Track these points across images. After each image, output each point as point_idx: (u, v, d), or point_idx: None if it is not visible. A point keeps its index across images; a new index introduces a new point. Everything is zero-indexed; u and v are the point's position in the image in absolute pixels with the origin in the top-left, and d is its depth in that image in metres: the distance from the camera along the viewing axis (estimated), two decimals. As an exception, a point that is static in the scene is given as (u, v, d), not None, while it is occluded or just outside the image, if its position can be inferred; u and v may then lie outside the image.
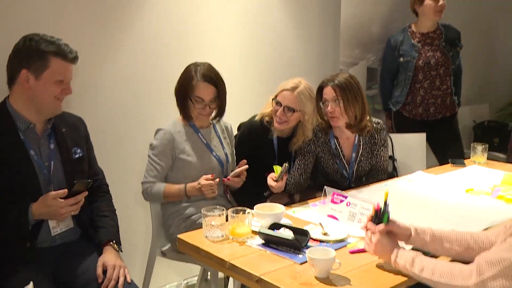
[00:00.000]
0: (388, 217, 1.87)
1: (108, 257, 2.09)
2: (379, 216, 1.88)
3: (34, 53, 1.99)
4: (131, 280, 2.07)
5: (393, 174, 3.41)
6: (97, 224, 2.24)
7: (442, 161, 3.77)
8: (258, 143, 2.86)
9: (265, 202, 2.71)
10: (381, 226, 1.85)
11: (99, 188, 2.35)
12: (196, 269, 3.15)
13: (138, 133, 3.03)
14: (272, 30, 3.65)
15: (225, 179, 2.62)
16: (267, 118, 2.84)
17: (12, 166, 1.99)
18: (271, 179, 2.62)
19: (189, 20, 3.19)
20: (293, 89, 2.71)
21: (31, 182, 2.02)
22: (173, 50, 3.12)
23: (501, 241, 1.64)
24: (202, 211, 2.10)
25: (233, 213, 2.08)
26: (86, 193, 2.03)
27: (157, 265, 2.75)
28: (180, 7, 3.13)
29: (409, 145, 3.71)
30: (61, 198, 1.95)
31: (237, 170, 2.60)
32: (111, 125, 2.95)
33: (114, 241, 2.17)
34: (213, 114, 2.68)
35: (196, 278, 3.21)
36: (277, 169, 2.62)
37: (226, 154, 2.73)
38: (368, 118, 2.81)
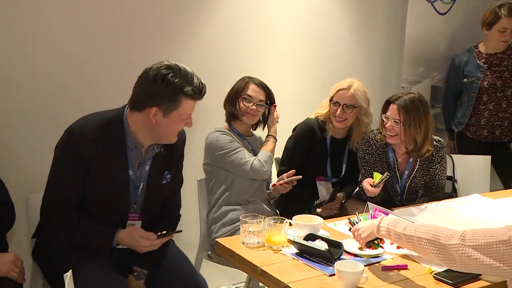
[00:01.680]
0: None
1: None
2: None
3: (169, 95, 1.96)
4: None
5: (451, 195, 3.31)
6: None
7: (507, 185, 3.61)
8: (313, 142, 2.94)
9: (316, 209, 2.82)
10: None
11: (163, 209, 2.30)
12: (245, 274, 3.21)
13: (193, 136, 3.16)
14: (335, 45, 3.69)
15: (276, 183, 2.71)
16: (321, 118, 2.94)
17: (112, 183, 2.06)
18: (368, 183, 2.68)
19: (250, 35, 3.32)
20: (349, 87, 2.84)
21: (123, 201, 2.11)
22: (230, 59, 3.27)
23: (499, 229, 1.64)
24: (240, 217, 2.17)
25: (270, 221, 2.14)
26: (172, 236, 2.16)
27: (207, 268, 2.87)
28: (239, 19, 3.27)
29: (472, 167, 3.57)
30: None
31: (291, 178, 2.67)
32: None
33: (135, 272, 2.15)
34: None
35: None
36: (377, 175, 2.67)
37: None
38: (429, 145, 2.76)
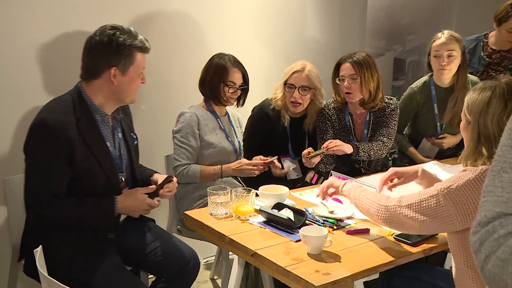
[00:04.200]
0: None
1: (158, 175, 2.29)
2: None
3: (123, 50, 2.01)
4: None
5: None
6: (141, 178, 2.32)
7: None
8: (268, 127, 2.97)
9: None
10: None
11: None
12: (215, 248, 3.28)
13: (160, 117, 3.19)
14: (295, 19, 3.70)
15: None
16: (278, 106, 2.94)
17: (97, 161, 2.03)
18: (306, 151, 2.71)
19: (209, 12, 3.30)
20: (303, 69, 2.87)
21: (113, 175, 2.09)
22: (192, 38, 3.25)
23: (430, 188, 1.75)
24: (208, 189, 2.21)
25: (237, 192, 2.18)
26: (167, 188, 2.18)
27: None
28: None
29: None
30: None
31: (270, 160, 2.72)
32: (137, 109, 3.11)
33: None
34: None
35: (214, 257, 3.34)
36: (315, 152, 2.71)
37: (239, 142, 2.89)
38: (381, 96, 2.89)
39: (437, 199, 1.66)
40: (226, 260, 2.70)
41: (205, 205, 2.63)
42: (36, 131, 1.97)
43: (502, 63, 3.51)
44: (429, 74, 3.23)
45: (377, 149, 2.87)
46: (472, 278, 1.72)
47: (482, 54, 3.53)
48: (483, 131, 1.67)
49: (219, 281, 3.28)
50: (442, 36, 3.04)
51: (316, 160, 2.72)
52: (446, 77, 3.09)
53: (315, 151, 2.71)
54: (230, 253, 2.85)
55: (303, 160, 2.72)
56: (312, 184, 2.86)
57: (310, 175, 2.97)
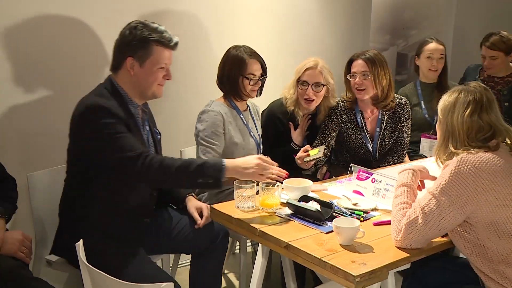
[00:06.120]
0: None
1: (196, 202, 2.40)
2: None
3: (138, 42, 2.10)
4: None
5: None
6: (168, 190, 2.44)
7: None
8: (281, 128, 2.97)
9: None
10: None
11: None
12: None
13: (173, 113, 3.20)
14: (300, 15, 3.72)
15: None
16: (290, 106, 2.93)
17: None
18: (302, 152, 2.68)
19: (222, 9, 3.33)
20: (315, 65, 2.86)
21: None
22: (202, 36, 3.27)
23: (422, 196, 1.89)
24: (234, 183, 2.22)
25: (263, 185, 2.20)
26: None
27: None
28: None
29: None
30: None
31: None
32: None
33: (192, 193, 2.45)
34: None
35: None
36: (313, 152, 2.69)
37: (259, 135, 2.88)
38: (393, 95, 2.93)
39: (435, 199, 1.79)
40: (245, 254, 2.72)
41: (223, 198, 2.65)
42: (94, 111, 2.03)
43: (496, 87, 3.68)
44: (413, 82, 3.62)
45: (398, 162, 2.97)
46: (482, 265, 1.83)
47: (477, 76, 3.76)
48: (450, 128, 1.89)
49: (230, 275, 3.30)
50: (433, 41, 3.45)
51: (312, 162, 2.72)
52: (435, 76, 3.47)
53: (312, 149, 2.69)
54: (248, 245, 2.89)
55: (299, 161, 2.69)
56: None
57: (322, 171, 3.00)
